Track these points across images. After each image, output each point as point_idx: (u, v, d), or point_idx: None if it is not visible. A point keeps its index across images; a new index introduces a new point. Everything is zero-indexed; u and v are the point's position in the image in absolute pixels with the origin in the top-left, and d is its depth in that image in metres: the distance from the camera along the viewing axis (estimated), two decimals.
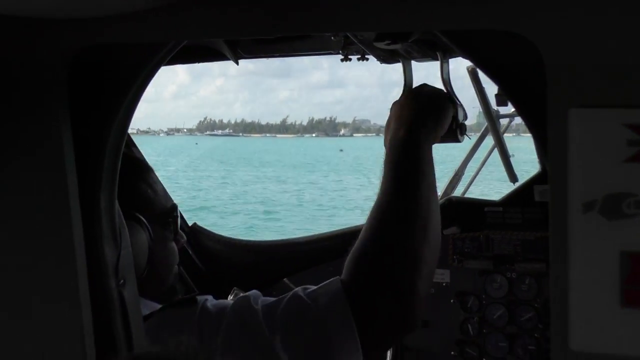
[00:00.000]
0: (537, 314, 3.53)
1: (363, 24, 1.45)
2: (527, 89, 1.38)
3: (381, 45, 2.27)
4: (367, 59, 2.66)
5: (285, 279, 3.82)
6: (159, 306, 1.98)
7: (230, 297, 3.55)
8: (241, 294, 3.59)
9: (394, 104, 2.38)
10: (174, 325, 1.84)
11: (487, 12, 1.31)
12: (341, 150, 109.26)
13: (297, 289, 1.95)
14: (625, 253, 1.25)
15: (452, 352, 3.72)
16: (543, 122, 1.29)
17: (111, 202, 1.58)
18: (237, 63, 2.62)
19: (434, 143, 2.24)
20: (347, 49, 2.60)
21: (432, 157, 2.18)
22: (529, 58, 1.30)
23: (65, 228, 1.51)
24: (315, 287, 1.93)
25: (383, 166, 2.15)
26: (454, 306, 3.68)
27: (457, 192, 4.02)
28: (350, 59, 2.67)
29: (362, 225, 3.80)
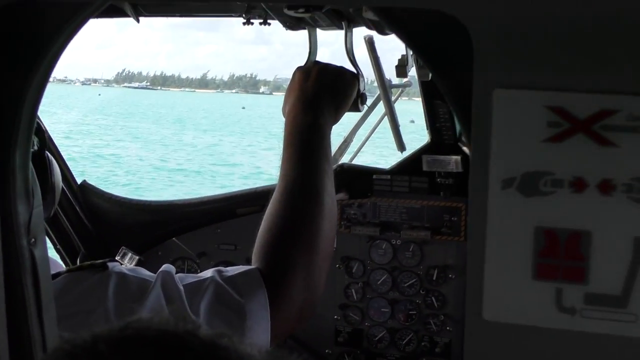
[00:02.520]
0: (420, 281, 3.66)
1: None
2: (454, 69, 1.42)
3: (291, 12, 2.27)
4: (270, 24, 2.64)
5: (174, 238, 3.81)
6: (64, 267, 1.93)
7: (117, 257, 3.50)
8: (131, 254, 3.56)
9: (298, 70, 2.38)
10: (82, 288, 1.79)
11: None
12: (243, 108, 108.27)
13: (213, 272, 1.93)
14: (539, 228, 1.31)
15: (336, 316, 3.81)
16: (468, 101, 1.33)
17: (25, 161, 1.53)
18: (138, 21, 2.55)
19: (336, 123, 2.30)
20: (250, 13, 2.57)
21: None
22: (458, 39, 1.33)
23: None
24: (232, 273, 1.92)
25: (285, 145, 2.17)
26: (338, 271, 3.75)
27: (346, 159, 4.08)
28: (252, 23, 2.65)
29: (247, 190, 3.88)
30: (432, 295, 3.65)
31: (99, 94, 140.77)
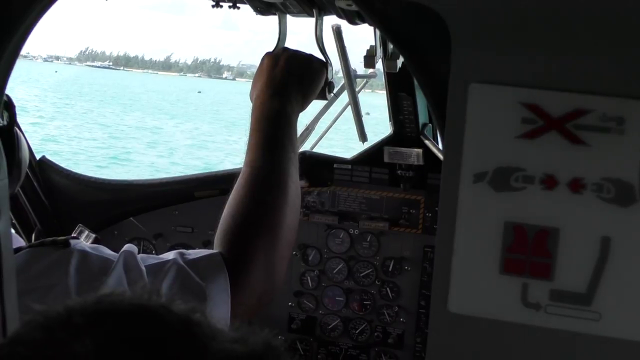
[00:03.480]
0: (375, 271, 3.68)
1: None
2: (431, 62, 1.42)
3: None
4: (239, 8, 2.62)
5: (131, 218, 3.78)
6: (23, 242, 1.89)
7: (74, 234, 3.45)
8: (87, 232, 3.51)
9: (267, 55, 2.37)
10: (44, 264, 1.76)
11: None
12: (199, 92, 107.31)
13: (175, 254, 1.91)
14: (508, 223, 1.33)
15: (290, 303, 3.81)
16: (444, 94, 1.34)
17: None
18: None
19: (303, 110, 2.31)
20: None
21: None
22: (436, 32, 1.33)
23: None
24: (194, 256, 1.91)
25: (251, 131, 2.17)
26: (295, 258, 3.75)
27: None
28: (221, 6, 2.62)
29: (207, 173, 3.85)
30: (387, 286, 3.67)
31: (55, 71, 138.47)
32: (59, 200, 3.75)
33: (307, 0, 2.38)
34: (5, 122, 1.83)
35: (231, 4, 2.59)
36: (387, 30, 1.50)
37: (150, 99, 77.05)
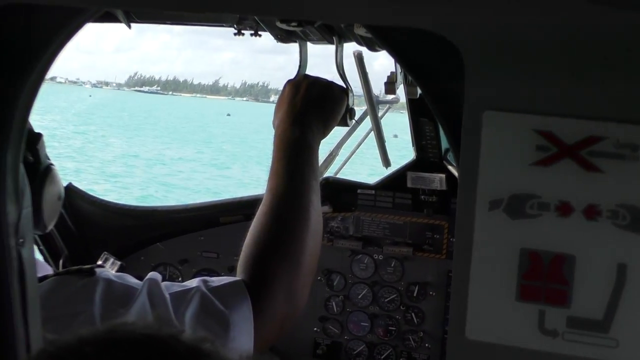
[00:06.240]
0: (400, 296, 3.67)
1: (298, 12, 1.47)
2: (445, 89, 1.43)
3: (283, 25, 2.29)
4: (260, 36, 2.65)
5: (158, 243, 3.81)
6: (51, 270, 1.92)
7: (99, 262, 3.49)
8: (113, 259, 3.55)
9: (289, 83, 2.40)
10: (69, 292, 1.79)
11: (410, 11, 1.35)
12: (228, 115, 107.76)
13: (198, 281, 1.93)
14: (524, 250, 1.33)
15: (315, 328, 3.81)
16: (458, 121, 1.34)
17: (16, 162, 1.53)
18: (130, 27, 2.56)
19: (325, 137, 2.33)
20: (241, 24, 2.59)
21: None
22: (450, 60, 1.35)
23: None
24: (218, 283, 1.93)
25: (273, 159, 2.19)
26: (319, 284, 3.76)
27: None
28: (243, 34, 2.66)
29: (232, 199, 3.88)
30: (411, 311, 3.66)
31: (90, 95, 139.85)
32: (85, 226, 3.80)
33: (327, 27, 2.41)
34: (31, 158, 1.82)
35: (253, 32, 2.63)
36: (401, 58, 1.51)
37: (166, 123, 76.26)
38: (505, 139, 1.32)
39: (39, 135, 1.87)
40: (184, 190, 26.65)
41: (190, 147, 46.72)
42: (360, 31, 2.26)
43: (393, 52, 1.50)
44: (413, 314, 3.66)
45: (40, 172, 1.84)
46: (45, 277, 1.83)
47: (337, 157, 3.84)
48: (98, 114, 78.78)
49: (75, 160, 33.56)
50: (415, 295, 3.64)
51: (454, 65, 1.35)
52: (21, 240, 1.56)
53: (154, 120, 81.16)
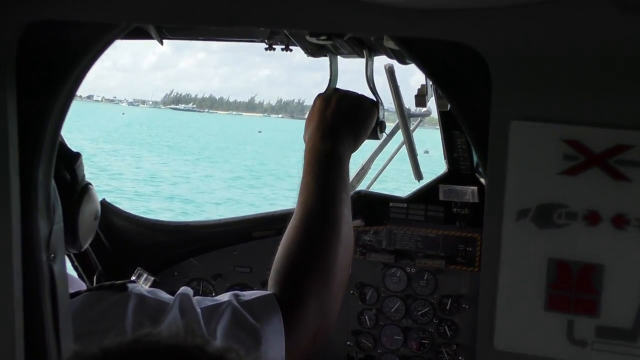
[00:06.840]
0: (433, 309, 3.66)
1: (327, 25, 1.49)
2: (472, 100, 1.44)
3: (313, 39, 2.30)
4: (291, 50, 2.68)
5: (192, 259, 3.84)
6: (85, 286, 1.94)
7: (133, 277, 3.52)
8: (146, 275, 3.58)
9: (319, 97, 2.41)
10: (102, 307, 1.81)
11: (437, 22, 1.36)
12: (260, 132, 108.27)
13: (230, 295, 1.94)
14: (552, 260, 1.32)
15: (348, 342, 3.80)
16: (486, 132, 1.35)
17: (48, 177, 1.56)
18: (162, 43, 2.60)
19: (355, 151, 2.33)
20: (272, 39, 2.61)
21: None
22: (477, 70, 1.35)
23: (2, 199, 1.49)
24: (249, 297, 1.94)
25: (304, 173, 2.20)
26: (352, 297, 3.76)
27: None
28: (274, 49, 2.68)
29: (264, 213, 3.90)
30: (445, 324, 3.65)
31: (123, 114, 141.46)
32: (119, 242, 3.83)
33: (357, 41, 2.42)
34: (69, 177, 1.85)
35: (284, 47, 2.65)
36: (429, 70, 1.52)
37: (187, 143, 74.50)
38: (532, 149, 1.32)
39: (78, 155, 1.91)
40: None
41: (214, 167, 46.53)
42: (390, 44, 2.27)
43: (421, 64, 1.51)
44: (446, 327, 3.64)
45: (77, 191, 1.87)
46: (78, 293, 1.85)
47: (369, 171, 3.85)
48: (122, 131, 79.10)
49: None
50: (448, 308, 3.63)
51: (481, 76, 1.35)
52: (52, 255, 1.59)
53: (188, 137, 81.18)
